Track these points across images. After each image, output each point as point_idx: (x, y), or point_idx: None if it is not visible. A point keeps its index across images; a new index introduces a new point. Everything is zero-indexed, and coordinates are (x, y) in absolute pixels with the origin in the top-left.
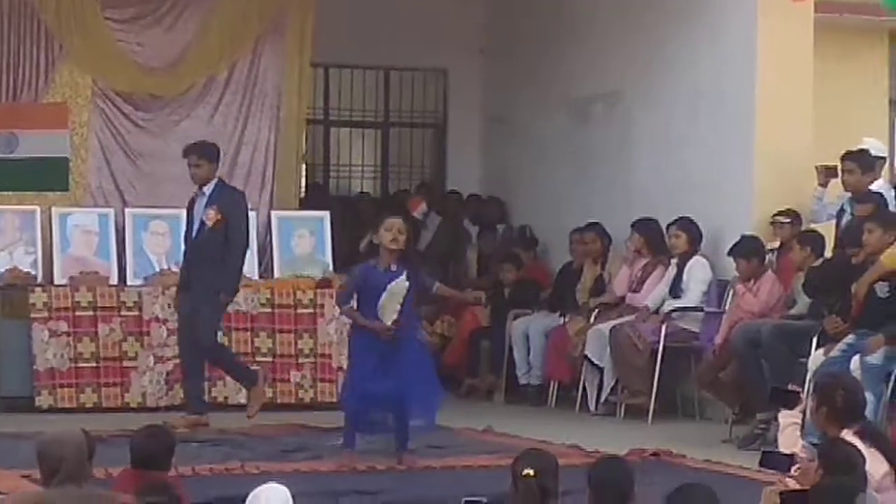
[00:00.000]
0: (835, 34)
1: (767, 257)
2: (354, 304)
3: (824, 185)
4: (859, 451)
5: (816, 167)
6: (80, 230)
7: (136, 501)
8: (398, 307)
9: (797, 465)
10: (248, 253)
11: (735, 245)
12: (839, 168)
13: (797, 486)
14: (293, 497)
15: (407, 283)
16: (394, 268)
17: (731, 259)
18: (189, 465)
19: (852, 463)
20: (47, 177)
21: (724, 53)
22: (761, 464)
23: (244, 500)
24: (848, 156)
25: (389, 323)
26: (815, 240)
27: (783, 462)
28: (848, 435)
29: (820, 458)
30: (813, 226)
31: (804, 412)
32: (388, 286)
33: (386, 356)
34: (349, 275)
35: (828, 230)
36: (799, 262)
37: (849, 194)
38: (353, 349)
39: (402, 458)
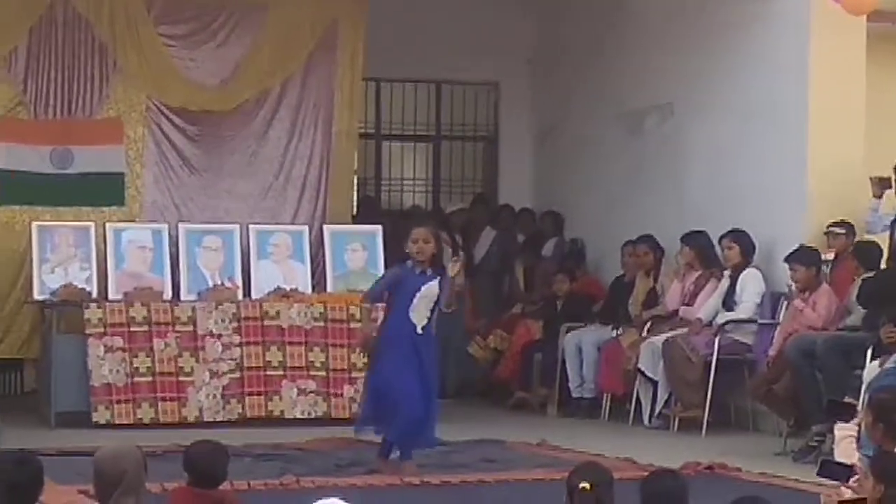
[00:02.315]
0: (889, 43)
1: (822, 269)
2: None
3: (879, 196)
4: None
5: (871, 178)
6: (134, 246)
7: None
8: (428, 313)
9: (856, 477)
10: (301, 267)
11: (793, 252)
12: (893, 179)
13: (854, 496)
14: None
15: (438, 290)
16: (428, 272)
17: (783, 271)
18: (244, 480)
19: None
20: (103, 192)
21: (777, 65)
22: (819, 473)
23: None
24: None
25: (420, 328)
26: (872, 250)
27: (842, 472)
28: None
29: (874, 471)
30: (867, 237)
31: (860, 425)
32: (423, 288)
33: (416, 363)
34: (384, 274)
35: (882, 241)
36: (856, 272)
37: None
38: (378, 352)
39: (407, 467)
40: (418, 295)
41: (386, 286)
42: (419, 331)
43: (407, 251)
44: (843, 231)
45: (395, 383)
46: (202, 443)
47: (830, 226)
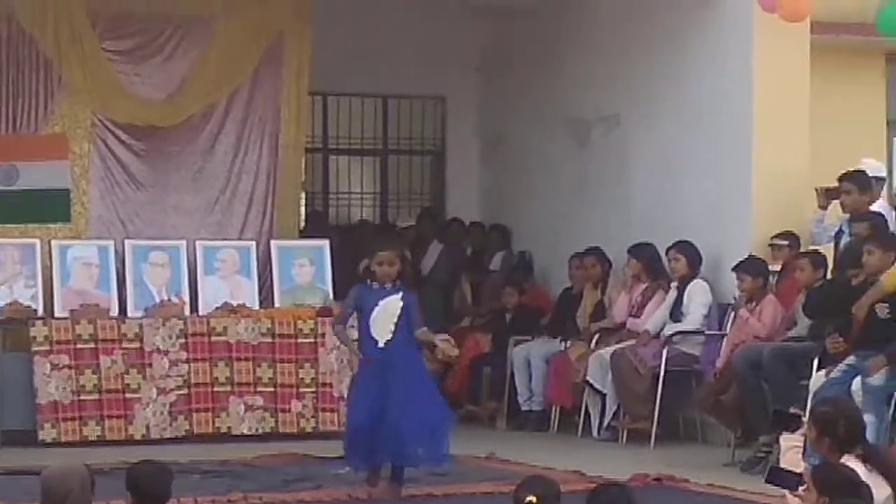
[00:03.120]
0: (832, 55)
1: (769, 279)
2: (353, 328)
3: (824, 207)
4: (856, 473)
5: (816, 189)
6: (80, 263)
7: None
8: (392, 327)
9: (804, 486)
10: (249, 282)
11: (740, 263)
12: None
13: None
14: None
15: (401, 303)
16: (388, 286)
17: (730, 282)
18: (191, 497)
19: (854, 484)
20: (49, 208)
21: (722, 74)
22: (767, 480)
23: None
24: (845, 177)
25: (382, 342)
26: (822, 261)
27: (791, 480)
28: (850, 460)
29: (816, 483)
30: (812, 248)
31: (805, 435)
32: (380, 303)
33: (386, 382)
34: (347, 297)
35: (828, 252)
36: (807, 282)
37: (847, 216)
38: (356, 375)
39: (389, 487)
40: (376, 309)
41: (351, 308)
42: (381, 345)
43: (360, 270)
44: (787, 243)
45: (375, 410)
46: (145, 463)
47: (774, 237)
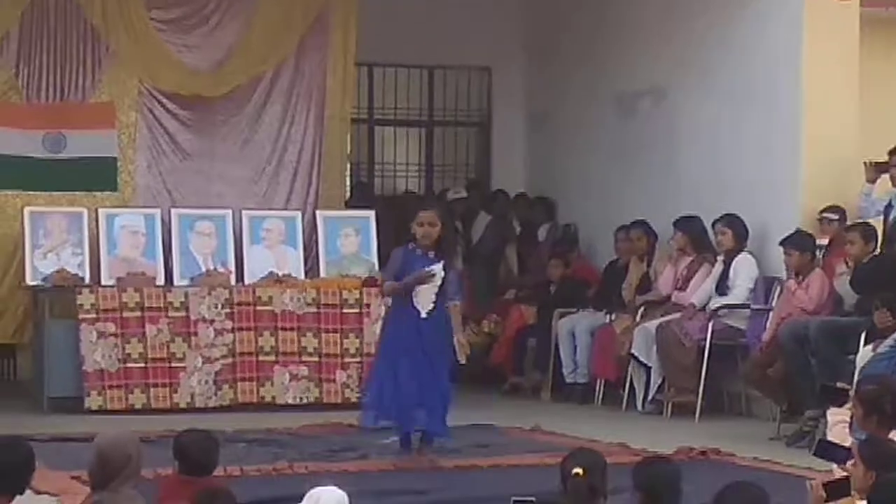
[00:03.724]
0: (882, 28)
1: (816, 254)
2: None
3: (872, 181)
4: None
5: (865, 163)
6: (126, 231)
7: None
8: (433, 297)
9: (852, 460)
10: (294, 252)
11: (788, 237)
12: (888, 163)
13: (840, 476)
14: None
15: (443, 273)
16: (431, 255)
17: (777, 256)
18: (237, 466)
19: None
20: (96, 176)
21: (771, 49)
22: (815, 453)
23: (294, 501)
24: (895, 150)
25: (425, 313)
26: (873, 234)
27: (839, 453)
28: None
29: (863, 457)
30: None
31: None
32: (425, 270)
33: (416, 350)
34: (390, 258)
35: (876, 225)
36: (858, 255)
37: None
38: (383, 339)
39: (422, 455)
40: None
41: (397, 268)
42: (423, 315)
43: (412, 233)
44: (836, 217)
45: (397, 370)
46: (193, 431)
47: (823, 211)
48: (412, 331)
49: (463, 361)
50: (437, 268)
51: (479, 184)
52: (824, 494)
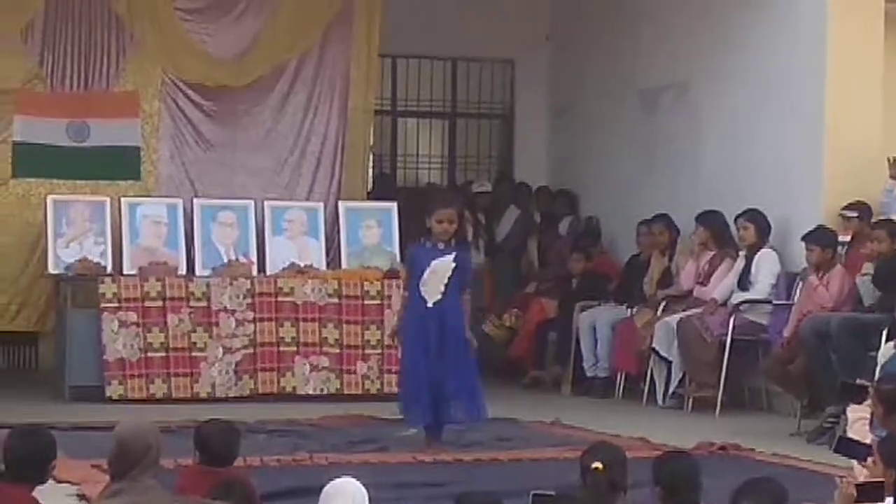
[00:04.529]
0: None
1: (838, 250)
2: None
3: (895, 177)
4: None
5: (888, 159)
6: (149, 220)
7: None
8: (442, 288)
9: (873, 457)
10: (316, 243)
11: (810, 232)
12: None
13: (872, 479)
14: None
15: (454, 264)
16: (441, 247)
17: (799, 252)
18: (257, 456)
19: None
20: (119, 166)
21: (794, 43)
22: (836, 450)
23: (314, 492)
24: None
25: (431, 302)
26: None
27: (859, 450)
28: None
29: (883, 456)
30: (881, 218)
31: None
32: (433, 262)
33: (431, 341)
34: (405, 258)
35: None
36: (885, 252)
37: None
38: (404, 336)
39: (430, 447)
40: (428, 269)
41: (411, 269)
42: (429, 305)
43: (428, 227)
44: (856, 214)
45: (417, 363)
46: (214, 422)
47: (845, 208)
48: (417, 320)
49: (471, 356)
50: (447, 259)
51: (506, 177)
52: (855, 494)
